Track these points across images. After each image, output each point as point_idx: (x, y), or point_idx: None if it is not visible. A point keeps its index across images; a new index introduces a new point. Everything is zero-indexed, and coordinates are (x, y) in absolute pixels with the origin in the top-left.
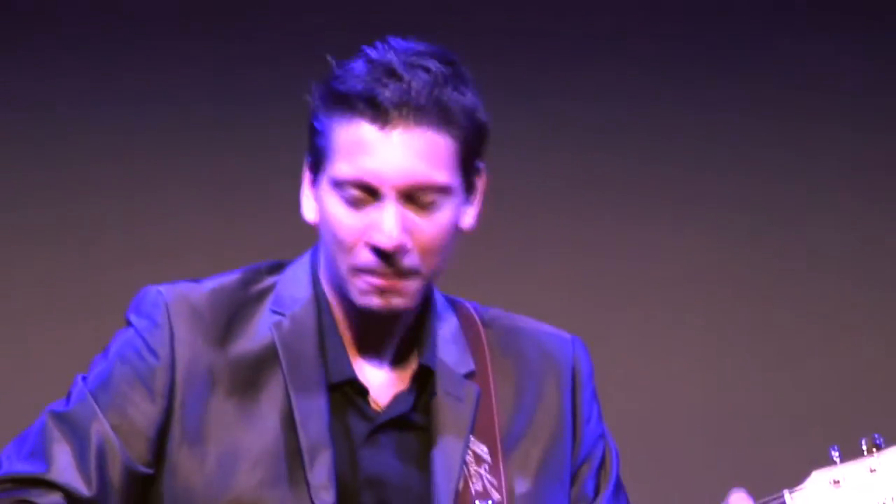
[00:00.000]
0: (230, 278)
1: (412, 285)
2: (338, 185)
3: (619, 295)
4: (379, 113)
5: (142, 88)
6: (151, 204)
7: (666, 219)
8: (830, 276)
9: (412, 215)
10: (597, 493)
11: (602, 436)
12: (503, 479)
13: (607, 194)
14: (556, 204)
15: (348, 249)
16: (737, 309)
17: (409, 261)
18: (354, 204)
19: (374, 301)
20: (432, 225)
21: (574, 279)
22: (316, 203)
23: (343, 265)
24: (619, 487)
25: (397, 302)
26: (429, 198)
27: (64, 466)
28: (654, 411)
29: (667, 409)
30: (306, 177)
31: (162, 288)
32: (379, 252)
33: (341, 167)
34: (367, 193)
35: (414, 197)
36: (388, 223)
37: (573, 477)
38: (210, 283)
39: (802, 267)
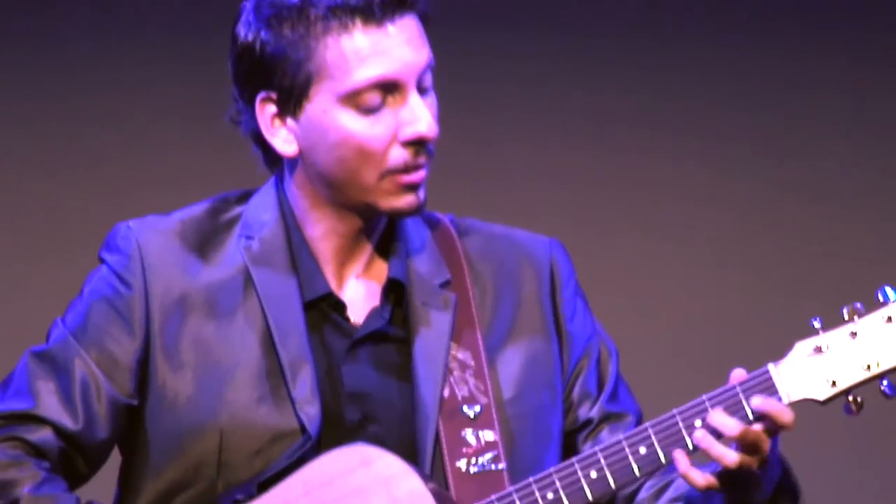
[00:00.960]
0: (198, 209)
1: (427, 172)
2: (350, 97)
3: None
4: (369, 14)
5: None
6: (121, 140)
7: (667, 147)
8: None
9: (423, 98)
10: (600, 389)
11: (595, 333)
12: (489, 383)
13: (608, 123)
14: (557, 132)
15: (380, 156)
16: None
17: (431, 146)
18: (372, 110)
19: (409, 199)
20: (433, 105)
21: (574, 206)
22: (297, 132)
23: (369, 175)
24: (621, 388)
25: (422, 195)
26: (429, 79)
27: (50, 402)
28: (650, 318)
29: (663, 319)
30: (266, 116)
31: (131, 223)
32: (418, 144)
33: (355, 76)
34: (386, 93)
35: (420, 82)
36: (423, 112)
37: (572, 376)
38: (179, 215)
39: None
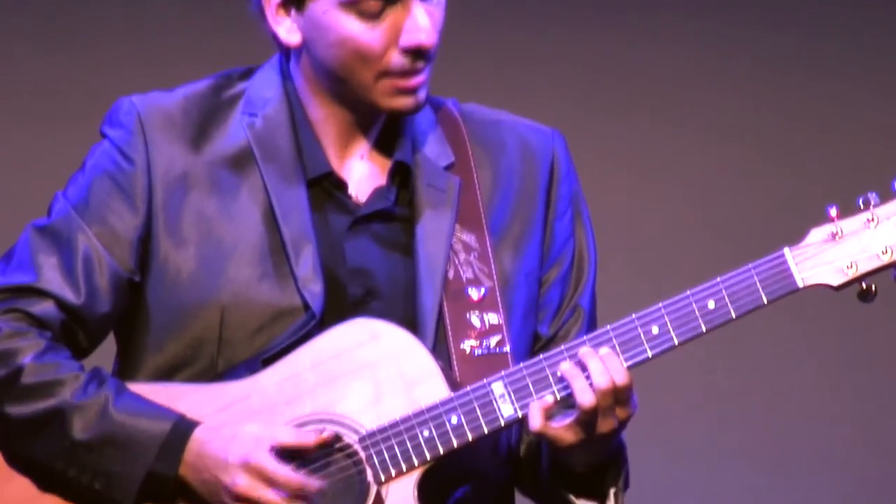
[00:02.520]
0: (201, 85)
1: (428, 75)
2: (351, 2)
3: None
4: None
5: None
6: (125, 15)
7: (669, 27)
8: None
9: (425, 6)
10: (562, 302)
11: (571, 241)
12: (493, 265)
13: (609, 11)
14: (559, 16)
15: (377, 60)
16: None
17: (433, 51)
18: (374, 15)
19: (407, 101)
20: (439, 10)
21: (575, 89)
22: (300, 24)
23: (366, 75)
24: (585, 308)
25: (422, 95)
26: None
27: (52, 276)
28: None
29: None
30: (272, 4)
31: (134, 98)
32: (417, 52)
33: None
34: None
35: None
36: (424, 20)
37: (542, 278)
38: (182, 91)
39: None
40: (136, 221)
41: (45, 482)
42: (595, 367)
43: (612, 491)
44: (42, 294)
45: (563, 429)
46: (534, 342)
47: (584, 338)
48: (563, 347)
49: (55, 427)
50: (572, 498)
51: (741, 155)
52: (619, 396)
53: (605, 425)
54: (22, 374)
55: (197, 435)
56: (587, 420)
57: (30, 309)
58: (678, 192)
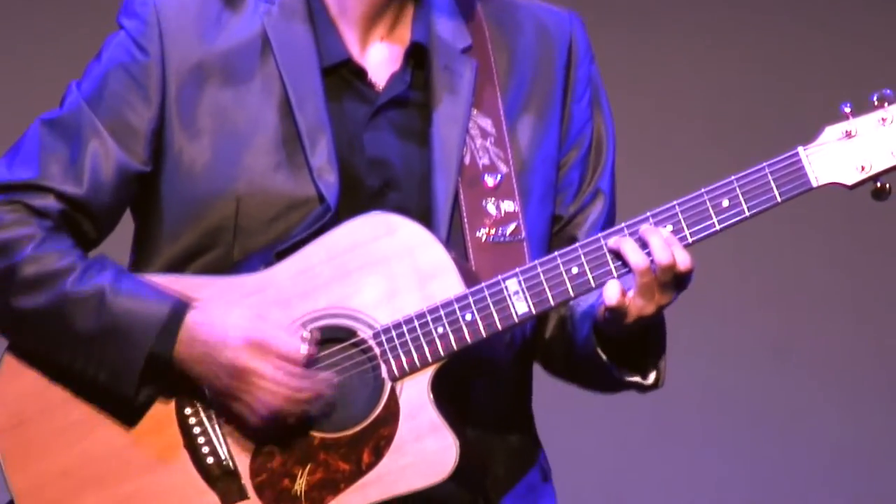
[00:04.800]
0: None
1: None
2: None
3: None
4: None
5: None
6: None
7: None
8: None
9: None
10: (581, 184)
11: (590, 124)
12: (509, 151)
13: None
14: None
15: None
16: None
17: None
18: None
19: None
20: None
21: None
22: None
23: None
24: (605, 191)
25: None
26: None
27: (55, 170)
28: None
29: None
30: None
31: None
32: None
33: None
34: None
35: None
36: None
37: (560, 162)
38: None
39: None
40: (149, 113)
41: (53, 374)
42: (657, 244)
43: (653, 362)
44: (43, 189)
45: (629, 300)
46: (552, 225)
47: (647, 214)
48: (600, 235)
49: (56, 320)
50: (615, 367)
51: (755, 52)
52: (677, 275)
53: (658, 301)
54: (21, 266)
55: (193, 316)
56: (645, 294)
57: (30, 202)
58: (690, 90)
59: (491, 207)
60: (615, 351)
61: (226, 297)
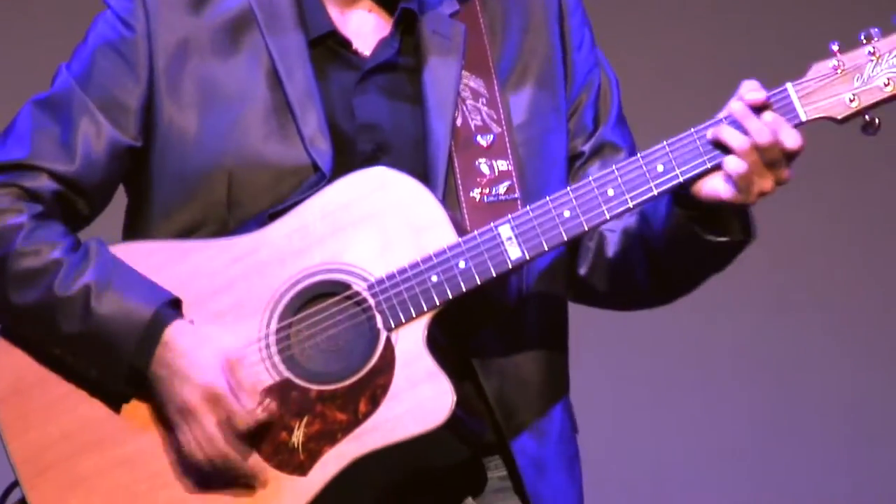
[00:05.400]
0: None
1: None
2: None
3: None
4: None
5: None
6: None
7: None
8: None
9: None
10: (596, 124)
11: (597, 64)
12: (501, 111)
13: None
14: None
15: None
16: None
17: None
18: None
19: None
20: None
21: None
22: None
23: None
24: (620, 120)
25: None
26: None
27: (46, 149)
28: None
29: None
30: None
31: None
32: None
33: None
34: None
35: None
36: None
37: (571, 108)
38: None
39: None
40: (138, 89)
41: (49, 364)
42: (754, 126)
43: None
44: (35, 169)
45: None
46: (572, 163)
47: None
48: (589, 179)
49: (44, 319)
50: (704, 232)
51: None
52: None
53: (760, 185)
54: (10, 260)
55: (169, 334)
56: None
57: (22, 183)
58: (678, 30)
59: (484, 167)
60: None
61: (222, 258)
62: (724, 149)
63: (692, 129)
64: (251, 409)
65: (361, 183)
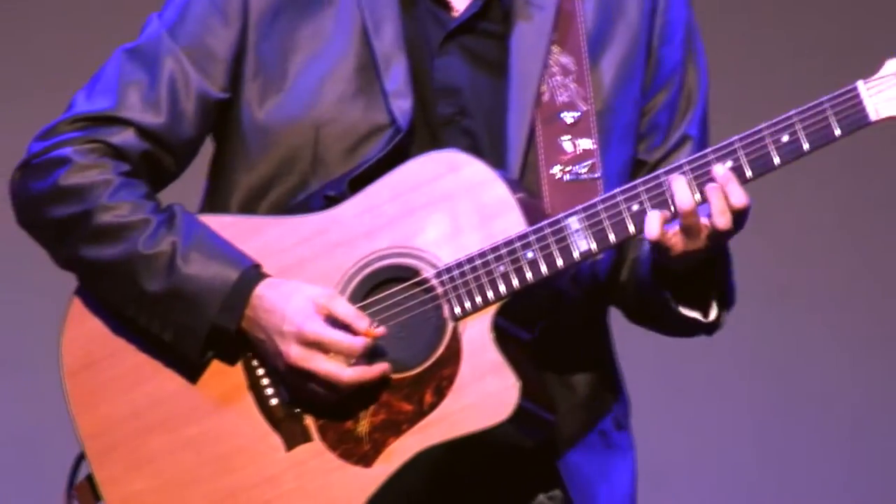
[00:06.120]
0: None
1: None
2: None
3: None
4: None
5: None
6: None
7: None
8: None
9: None
10: (669, 128)
11: (687, 62)
12: (589, 89)
13: None
14: None
15: None
16: None
17: None
18: None
19: None
20: None
21: None
22: None
23: None
24: (702, 123)
25: None
26: None
27: (133, 101)
28: None
29: None
30: None
31: None
32: None
33: None
34: None
35: None
36: None
37: (648, 105)
38: None
39: None
40: (230, 38)
41: (119, 321)
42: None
43: (713, 298)
44: (122, 122)
45: (672, 236)
46: (634, 169)
47: (707, 150)
48: (659, 171)
49: (124, 275)
50: (673, 303)
51: None
52: (733, 212)
53: (706, 241)
54: (94, 214)
55: (258, 291)
56: (689, 233)
57: (109, 139)
58: (746, 28)
59: (567, 144)
60: (673, 284)
61: (291, 237)
62: None
63: (762, 125)
64: (357, 334)
65: (432, 165)
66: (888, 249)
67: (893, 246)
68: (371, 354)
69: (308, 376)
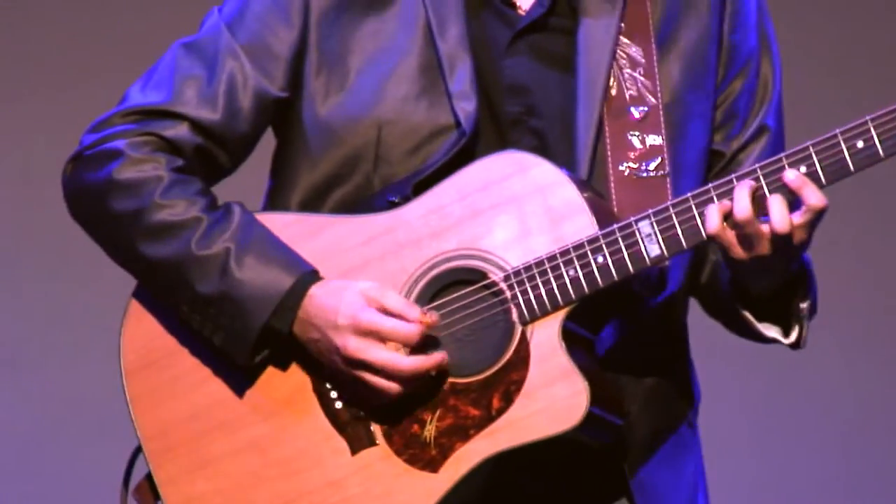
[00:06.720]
0: None
1: None
2: None
3: None
4: None
5: None
6: None
7: None
8: None
9: None
10: (747, 116)
11: (761, 49)
12: (658, 82)
13: None
14: None
15: None
16: None
17: None
18: None
19: None
20: None
21: None
22: None
23: None
24: (777, 110)
25: None
26: None
27: (189, 95)
28: None
29: None
30: None
31: None
32: None
33: None
34: None
35: None
36: None
37: (722, 96)
38: None
39: None
40: (291, 37)
41: (176, 325)
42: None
43: (796, 316)
44: (176, 116)
45: (738, 237)
46: (711, 160)
47: (781, 155)
48: (732, 175)
49: (176, 276)
50: (753, 321)
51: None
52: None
53: (773, 249)
54: (147, 211)
55: (311, 292)
56: (748, 238)
57: (163, 132)
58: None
59: (636, 140)
60: (754, 303)
61: (356, 237)
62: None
63: (837, 129)
64: (410, 322)
65: (499, 165)
66: (887, 249)
67: (893, 246)
68: (433, 350)
69: (367, 367)
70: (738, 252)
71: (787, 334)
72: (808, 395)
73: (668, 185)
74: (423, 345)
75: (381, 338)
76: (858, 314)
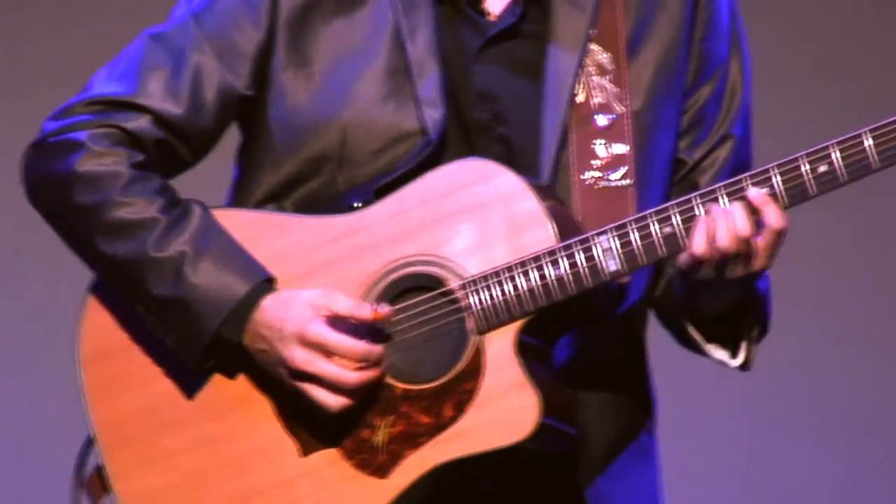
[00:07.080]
0: None
1: None
2: None
3: None
4: None
5: None
6: None
7: None
8: None
9: None
10: (713, 124)
11: (732, 57)
12: (627, 89)
13: None
14: None
15: None
16: None
17: None
18: None
19: None
20: None
21: None
22: None
23: None
24: (744, 120)
25: None
26: None
27: (154, 87)
28: None
29: None
30: None
31: None
32: None
33: None
34: None
35: None
36: None
37: (689, 102)
38: None
39: None
40: (257, 36)
41: (134, 320)
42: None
43: (743, 341)
44: (139, 108)
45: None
46: (672, 169)
47: (744, 175)
48: (693, 194)
49: (132, 275)
50: (701, 341)
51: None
52: (750, 246)
53: (734, 271)
54: (105, 207)
55: (262, 303)
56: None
57: (125, 125)
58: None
59: (601, 149)
60: (704, 322)
61: (318, 237)
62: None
63: (800, 153)
64: (362, 321)
65: (464, 173)
66: (886, 249)
67: (892, 245)
68: (391, 364)
69: (314, 379)
70: (700, 271)
71: (734, 356)
72: (807, 395)
73: (633, 195)
74: (374, 353)
75: (327, 351)
76: (858, 314)
